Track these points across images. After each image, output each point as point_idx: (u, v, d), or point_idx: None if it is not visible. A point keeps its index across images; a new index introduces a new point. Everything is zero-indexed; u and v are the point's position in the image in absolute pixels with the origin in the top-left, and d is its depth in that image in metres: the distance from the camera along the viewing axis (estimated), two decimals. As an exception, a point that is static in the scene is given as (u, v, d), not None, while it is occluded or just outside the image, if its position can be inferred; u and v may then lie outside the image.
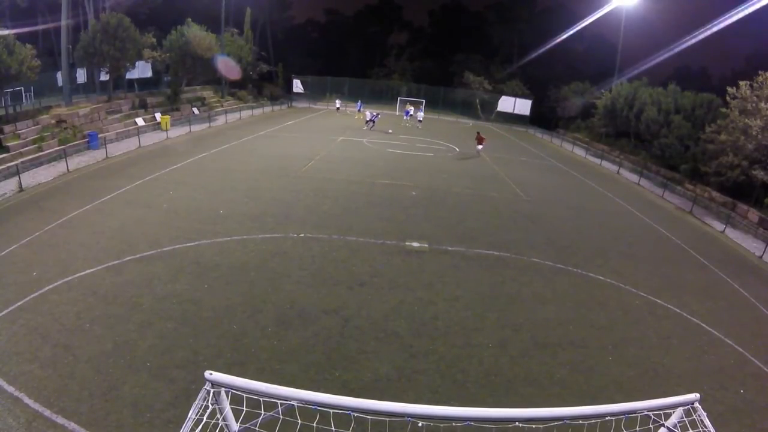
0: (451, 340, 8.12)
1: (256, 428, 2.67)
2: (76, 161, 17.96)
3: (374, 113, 33.72)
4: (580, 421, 2.58)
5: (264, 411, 2.52)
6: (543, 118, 47.74)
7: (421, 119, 36.87)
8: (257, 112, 37.96)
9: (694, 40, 34.92)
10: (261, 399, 2.45)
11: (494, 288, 10.34)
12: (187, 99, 32.93)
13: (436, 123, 40.72)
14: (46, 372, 6.35)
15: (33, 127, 19.70)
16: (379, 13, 62.74)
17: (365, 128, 32.51)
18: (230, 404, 2.59)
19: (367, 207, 15.16)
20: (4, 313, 7.64)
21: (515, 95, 48.43)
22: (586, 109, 40.10)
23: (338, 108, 43.29)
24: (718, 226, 18.58)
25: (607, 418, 2.60)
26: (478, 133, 27.44)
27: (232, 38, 40.08)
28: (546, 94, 48.20)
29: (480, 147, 26.24)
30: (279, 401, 2.44)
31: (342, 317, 8.45)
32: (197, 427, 2.42)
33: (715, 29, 32.61)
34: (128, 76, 29.84)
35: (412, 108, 40.26)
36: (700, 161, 24.26)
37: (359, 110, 40.48)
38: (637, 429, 2.77)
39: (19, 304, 7.93)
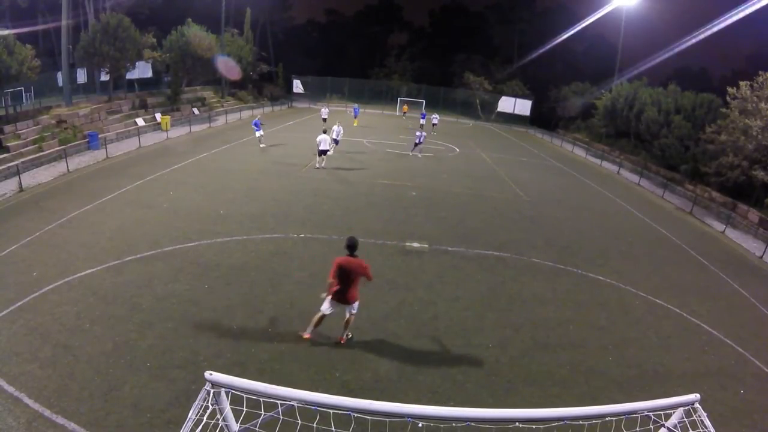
0: (451, 340, 8.11)
1: (256, 428, 2.67)
2: (77, 161, 17.97)
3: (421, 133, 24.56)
4: (580, 422, 2.58)
5: (264, 411, 2.52)
6: (543, 119, 47.77)
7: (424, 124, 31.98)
8: (257, 112, 37.91)
9: (694, 40, 35.03)
10: (261, 399, 2.44)
11: (494, 288, 10.33)
12: (188, 99, 32.94)
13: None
14: (46, 372, 6.34)
15: (33, 128, 19.71)
16: (379, 14, 62.82)
17: (414, 153, 24.47)
18: (230, 404, 2.59)
19: (367, 207, 15.15)
20: (4, 313, 7.63)
21: (515, 95, 48.47)
22: (586, 110, 40.13)
23: (324, 119, 31.02)
24: (718, 226, 18.58)
25: (607, 419, 2.60)
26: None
27: (232, 38, 40.10)
28: (546, 95, 48.24)
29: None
30: (279, 401, 2.43)
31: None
32: (197, 428, 2.42)
33: (715, 29, 32.69)
34: (128, 76, 29.84)
35: (435, 115, 37.56)
36: (700, 161, 24.26)
37: (356, 116, 36.00)
38: (638, 429, 2.76)
39: (19, 304, 7.92)
